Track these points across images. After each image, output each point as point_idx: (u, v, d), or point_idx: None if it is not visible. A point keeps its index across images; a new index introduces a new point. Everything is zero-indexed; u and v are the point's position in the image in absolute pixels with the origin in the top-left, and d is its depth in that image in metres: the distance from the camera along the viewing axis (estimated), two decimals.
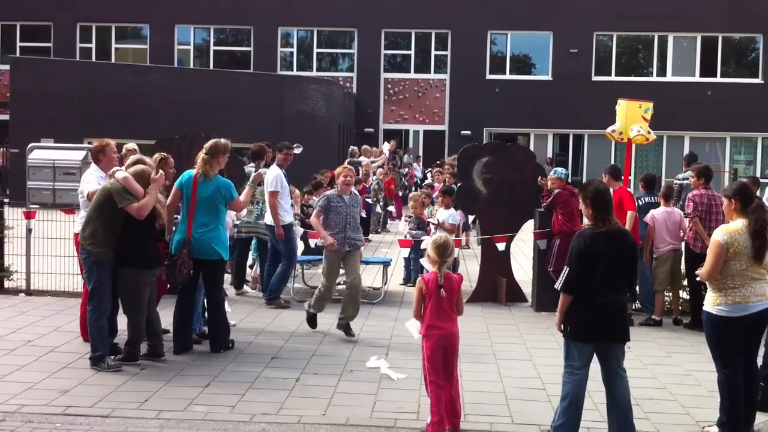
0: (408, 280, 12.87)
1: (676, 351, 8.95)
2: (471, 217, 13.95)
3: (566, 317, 5.90)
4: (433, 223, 12.00)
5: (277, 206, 10.51)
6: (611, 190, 10.98)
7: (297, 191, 13.59)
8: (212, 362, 7.86)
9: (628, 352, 8.69)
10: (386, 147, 25.02)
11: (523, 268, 13.24)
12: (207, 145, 8.33)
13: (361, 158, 20.86)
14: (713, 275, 6.05)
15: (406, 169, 25.60)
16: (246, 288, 11.43)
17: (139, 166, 7.74)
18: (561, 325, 5.94)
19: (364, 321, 9.92)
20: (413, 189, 24.29)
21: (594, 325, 5.81)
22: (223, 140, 8.41)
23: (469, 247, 16.52)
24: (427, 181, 20.47)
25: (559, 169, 11.15)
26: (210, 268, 8.21)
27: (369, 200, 18.88)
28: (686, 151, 30.68)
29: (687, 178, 13.99)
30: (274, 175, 10.54)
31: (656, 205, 10.96)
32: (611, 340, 5.88)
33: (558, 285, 5.95)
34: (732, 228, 6.09)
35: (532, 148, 29.30)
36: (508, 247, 11.43)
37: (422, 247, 12.36)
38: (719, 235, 6.09)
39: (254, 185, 8.94)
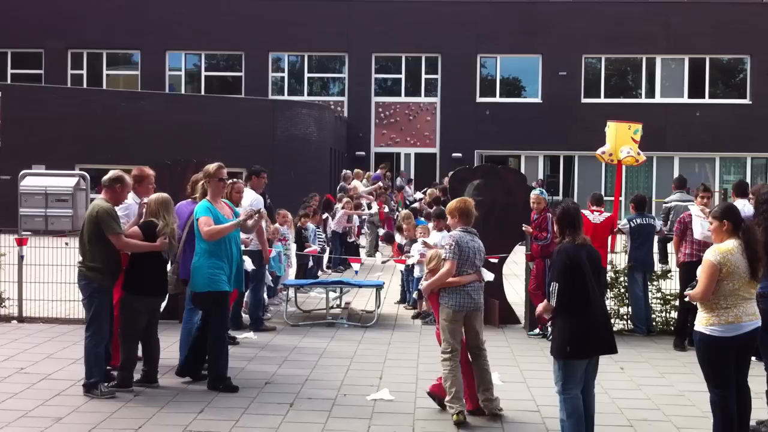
0: (404, 300, 12.90)
1: (669, 371, 8.97)
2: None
3: (568, 337, 5.96)
4: (424, 243, 11.98)
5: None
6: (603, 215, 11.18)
7: (289, 215, 13.61)
8: (206, 388, 7.83)
9: (621, 372, 8.73)
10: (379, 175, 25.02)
11: (515, 290, 13.27)
12: None
13: (353, 182, 20.93)
14: (706, 296, 6.06)
15: (394, 192, 25.61)
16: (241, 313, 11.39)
17: (161, 195, 7.86)
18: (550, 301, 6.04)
19: (357, 345, 9.92)
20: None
21: (593, 339, 5.97)
22: (212, 165, 8.19)
23: None
24: (414, 204, 20.59)
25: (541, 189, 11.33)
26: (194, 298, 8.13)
27: (366, 226, 18.99)
28: (676, 171, 30.95)
29: (683, 201, 14.17)
30: (252, 199, 10.35)
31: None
32: (606, 351, 6.08)
33: (552, 300, 6.02)
34: (724, 248, 6.12)
35: (523, 169, 29.48)
36: (500, 269, 11.46)
37: (409, 263, 12.42)
38: (711, 255, 6.10)
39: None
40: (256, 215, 8.48)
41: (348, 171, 22.32)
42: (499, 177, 11.74)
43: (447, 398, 7.00)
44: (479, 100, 32.28)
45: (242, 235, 9.03)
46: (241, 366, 8.72)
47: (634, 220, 10.98)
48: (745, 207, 9.70)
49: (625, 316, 10.96)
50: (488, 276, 7.41)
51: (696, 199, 10.48)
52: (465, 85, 31.97)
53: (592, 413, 6.15)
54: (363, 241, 19.56)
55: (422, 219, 14.47)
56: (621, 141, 11.74)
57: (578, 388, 5.97)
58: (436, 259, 7.19)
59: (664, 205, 15.73)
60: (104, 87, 32.18)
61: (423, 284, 7.39)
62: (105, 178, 7.78)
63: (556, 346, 6.05)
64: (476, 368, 7.18)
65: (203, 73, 33.09)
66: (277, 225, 12.36)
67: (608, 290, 10.45)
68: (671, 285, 11.00)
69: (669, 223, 14.24)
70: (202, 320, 8.13)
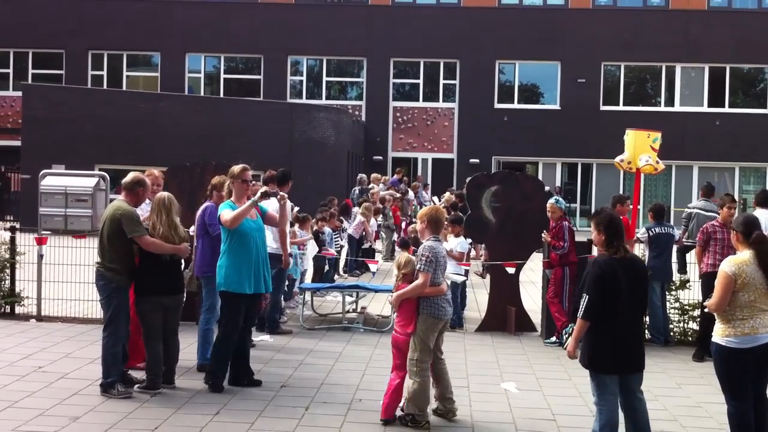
0: None
1: (686, 382, 8.92)
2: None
3: (593, 350, 5.91)
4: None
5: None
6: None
7: (309, 217, 13.63)
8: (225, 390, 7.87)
9: None
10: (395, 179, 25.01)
11: (532, 297, 13.23)
12: None
13: (371, 185, 20.95)
14: (721, 307, 6.05)
15: (412, 195, 25.58)
16: None
17: (164, 194, 7.88)
18: (575, 351, 6.01)
19: (373, 349, 9.93)
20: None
21: (620, 355, 5.88)
22: (236, 167, 8.21)
23: (484, 277, 16.43)
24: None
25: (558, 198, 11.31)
26: None
27: (382, 230, 18.99)
28: (695, 180, 30.81)
29: (707, 210, 14.11)
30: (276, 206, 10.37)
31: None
32: (634, 369, 5.98)
33: (579, 313, 5.96)
34: (739, 259, 6.10)
35: (540, 176, 29.40)
36: (517, 276, 11.44)
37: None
38: (726, 266, 6.09)
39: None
40: (277, 196, 8.40)
41: (363, 175, 22.31)
42: (516, 183, 11.72)
43: (416, 410, 6.89)
44: (497, 106, 32.26)
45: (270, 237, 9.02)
46: (257, 369, 8.73)
47: (652, 229, 10.94)
48: (762, 216, 9.66)
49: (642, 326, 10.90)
50: (459, 278, 7.43)
51: (722, 209, 10.29)
52: (483, 91, 31.97)
53: (640, 423, 6.02)
54: (379, 245, 19.58)
55: None
56: (640, 149, 11.67)
57: (614, 400, 5.91)
58: (410, 265, 7.12)
59: (686, 209, 15.57)
60: (124, 88, 32.43)
61: (392, 295, 7.25)
62: (125, 180, 7.82)
63: (581, 356, 6.04)
64: (439, 371, 7.22)
65: (222, 76, 33.25)
66: (295, 228, 12.40)
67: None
68: (690, 295, 10.95)
69: (688, 231, 14.16)
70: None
